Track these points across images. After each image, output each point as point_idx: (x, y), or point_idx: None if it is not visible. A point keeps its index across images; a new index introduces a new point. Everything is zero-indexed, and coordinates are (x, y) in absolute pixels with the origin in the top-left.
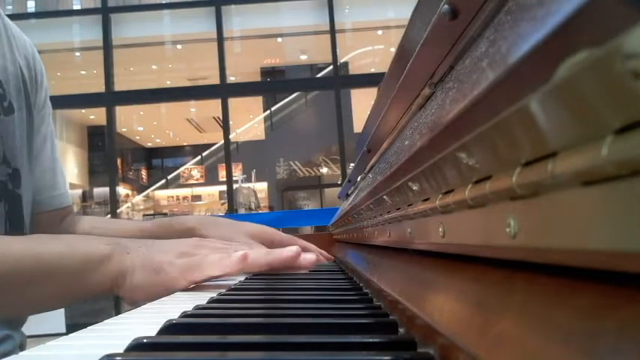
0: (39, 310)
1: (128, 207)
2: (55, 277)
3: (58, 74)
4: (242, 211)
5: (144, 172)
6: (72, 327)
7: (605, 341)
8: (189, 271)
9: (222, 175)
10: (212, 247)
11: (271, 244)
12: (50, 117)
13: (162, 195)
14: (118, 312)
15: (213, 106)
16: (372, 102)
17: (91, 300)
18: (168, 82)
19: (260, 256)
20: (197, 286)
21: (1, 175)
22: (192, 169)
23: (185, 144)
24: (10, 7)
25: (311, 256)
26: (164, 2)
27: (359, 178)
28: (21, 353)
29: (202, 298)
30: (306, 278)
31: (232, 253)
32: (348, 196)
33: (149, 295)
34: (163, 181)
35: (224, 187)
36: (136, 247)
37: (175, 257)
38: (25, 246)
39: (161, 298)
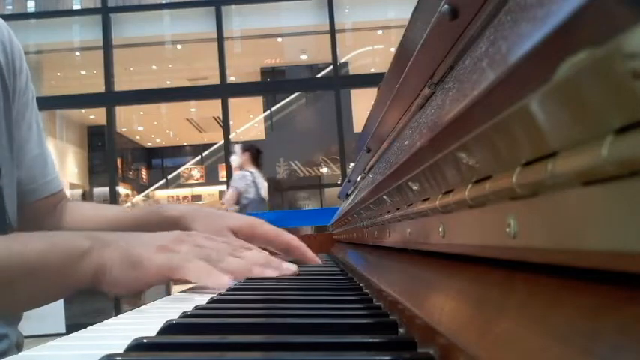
0: (23, 307)
1: (128, 207)
2: (37, 274)
3: (58, 74)
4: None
5: (144, 172)
6: (72, 327)
7: (605, 341)
8: (167, 269)
9: (222, 175)
10: (192, 243)
11: (253, 237)
12: (34, 101)
13: (163, 195)
14: (118, 312)
15: (213, 106)
16: (372, 102)
17: (90, 300)
18: (168, 82)
19: (243, 273)
20: (197, 287)
21: None
22: (192, 169)
23: (185, 144)
24: (10, 7)
25: (293, 267)
26: (164, 2)
27: (359, 178)
28: (21, 353)
29: (202, 298)
30: (306, 278)
31: (218, 272)
32: (348, 196)
33: (128, 289)
34: (163, 181)
35: (224, 187)
36: (115, 240)
37: (154, 252)
38: (6, 245)
39: (141, 291)
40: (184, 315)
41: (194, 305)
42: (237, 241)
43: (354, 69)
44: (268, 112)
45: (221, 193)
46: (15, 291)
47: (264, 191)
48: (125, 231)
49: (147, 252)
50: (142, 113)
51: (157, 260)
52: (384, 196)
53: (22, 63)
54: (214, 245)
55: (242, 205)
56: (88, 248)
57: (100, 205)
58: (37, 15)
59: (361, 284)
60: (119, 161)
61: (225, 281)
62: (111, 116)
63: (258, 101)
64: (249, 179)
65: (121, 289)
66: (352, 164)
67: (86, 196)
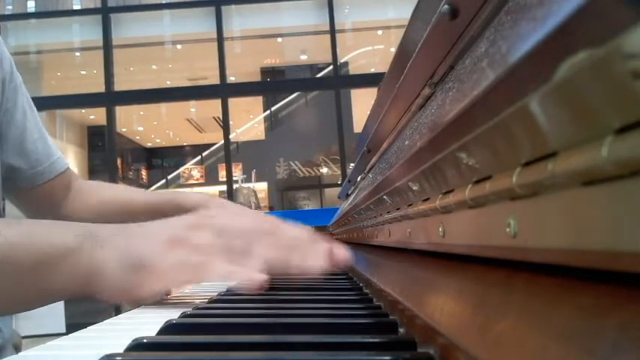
0: None
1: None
2: (3, 271)
3: (58, 74)
4: None
5: (144, 172)
6: (72, 327)
7: (605, 341)
8: (182, 272)
9: (222, 175)
10: (213, 228)
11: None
12: (22, 86)
13: None
14: (118, 312)
15: (213, 106)
16: (372, 102)
17: (90, 300)
18: (168, 82)
19: (280, 265)
20: (197, 287)
21: None
22: (192, 169)
23: (185, 144)
24: (10, 7)
25: (344, 255)
26: (164, 2)
27: (359, 178)
28: (20, 353)
29: (202, 298)
30: (306, 278)
31: (247, 270)
32: (348, 196)
33: (132, 298)
34: (163, 181)
35: (224, 187)
36: (111, 236)
37: (164, 249)
38: None
39: (148, 302)
40: (184, 315)
41: (194, 305)
42: (269, 218)
43: (354, 69)
44: (268, 112)
45: (221, 193)
46: None
47: None
48: (137, 216)
49: (152, 249)
50: (142, 113)
51: (169, 262)
52: (384, 196)
53: (2, 50)
54: (241, 227)
55: None
56: (75, 247)
57: (118, 187)
58: (37, 15)
59: (361, 284)
60: (119, 161)
61: (257, 278)
62: (111, 116)
63: (258, 101)
64: None
65: (124, 297)
66: (352, 164)
67: None
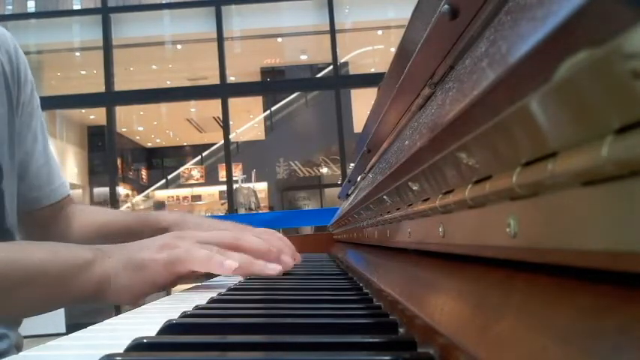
0: (23, 314)
1: (128, 207)
2: (38, 282)
3: (58, 74)
4: (242, 211)
5: (144, 172)
6: (72, 327)
7: (605, 341)
8: (171, 264)
9: (222, 175)
10: (192, 237)
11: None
12: (39, 110)
13: (162, 195)
14: (118, 312)
15: (213, 106)
16: (372, 102)
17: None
18: (168, 82)
19: (246, 266)
20: (197, 287)
21: None
22: (192, 169)
23: (185, 144)
24: (10, 7)
25: (290, 264)
26: (164, 2)
27: (359, 178)
28: (21, 353)
29: (202, 298)
30: (306, 278)
31: (224, 259)
32: (348, 196)
33: (136, 294)
34: (163, 181)
35: (224, 187)
36: (117, 250)
37: (157, 252)
38: (9, 252)
39: (149, 295)
40: (184, 315)
41: (194, 305)
42: (239, 230)
43: (354, 69)
44: (268, 112)
45: (221, 193)
46: (14, 298)
47: None
48: (114, 236)
49: (149, 253)
50: (142, 113)
51: (161, 258)
52: (384, 196)
53: (26, 73)
54: (215, 238)
55: None
56: (90, 259)
57: (99, 210)
58: (37, 15)
59: (361, 284)
60: (119, 161)
61: (231, 265)
62: (111, 116)
63: (258, 101)
64: None
65: (128, 295)
66: (352, 164)
67: (85, 196)
